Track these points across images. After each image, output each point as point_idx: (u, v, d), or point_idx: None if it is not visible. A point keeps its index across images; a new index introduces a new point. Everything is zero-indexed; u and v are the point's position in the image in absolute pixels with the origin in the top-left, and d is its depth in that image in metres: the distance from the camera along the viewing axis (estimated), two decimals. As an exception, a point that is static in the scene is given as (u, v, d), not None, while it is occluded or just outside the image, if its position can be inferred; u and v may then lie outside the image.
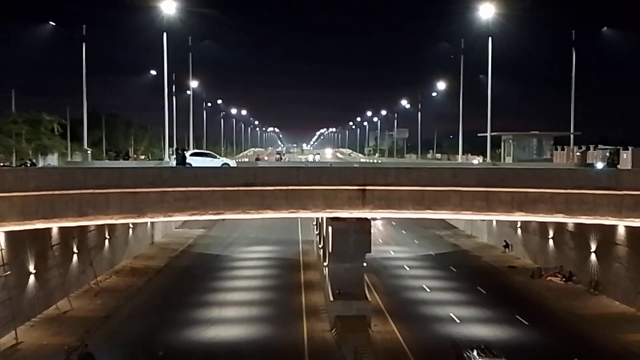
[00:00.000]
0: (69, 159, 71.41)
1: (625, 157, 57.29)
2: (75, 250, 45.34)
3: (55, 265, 41.54)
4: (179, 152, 41.89)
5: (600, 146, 66.75)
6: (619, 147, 57.34)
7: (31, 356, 31.90)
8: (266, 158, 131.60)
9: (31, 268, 38.17)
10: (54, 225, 37.22)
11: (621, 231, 42.93)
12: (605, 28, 64.80)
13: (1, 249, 34.14)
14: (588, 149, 68.09)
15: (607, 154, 58.02)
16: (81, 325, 37.28)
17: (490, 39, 59.45)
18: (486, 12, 57.12)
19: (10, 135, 69.10)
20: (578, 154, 60.04)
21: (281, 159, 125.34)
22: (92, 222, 35.18)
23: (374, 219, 47.19)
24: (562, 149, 69.51)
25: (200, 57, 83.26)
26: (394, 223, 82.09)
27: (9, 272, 34.65)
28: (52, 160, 69.16)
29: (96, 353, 29.95)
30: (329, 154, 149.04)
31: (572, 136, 64.56)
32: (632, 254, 42.18)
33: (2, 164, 60.51)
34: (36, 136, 71.91)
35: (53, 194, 29.32)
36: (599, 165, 38.99)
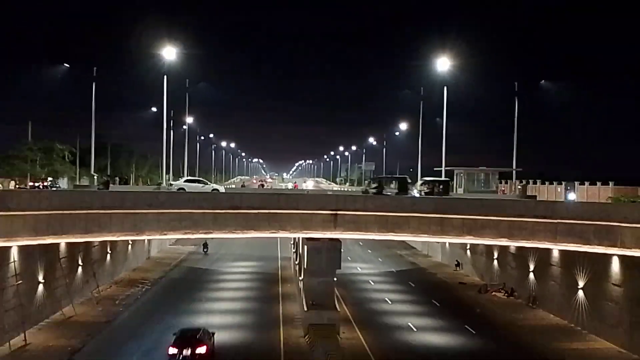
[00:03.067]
0: (77, 183, 70.73)
1: (560, 191, 57.99)
2: (80, 262, 44.81)
3: (62, 275, 41.00)
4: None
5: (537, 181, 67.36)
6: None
7: (38, 356, 31.37)
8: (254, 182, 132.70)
9: (40, 278, 37.66)
10: (63, 241, 36.84)
11: (555, 254, 43.37)
12: (543, 81, 65.92)
13: (14, 261, 33.72)
14: (528, 182, 68.90)
15: (519, 186, 58.93)
16: (84, 329, 36.78)
17: (445, 87, 60.21)
18: (442, 65, 57.86)
19: (26, 161, 68.52)
20: (519, 187, 60.65)
21: (263, 186, 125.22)
22: (96, 239, 34.85)
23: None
24: (506, 183, 70.24)
25: (195, 96, 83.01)
26: (361, 243, 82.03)
27: (20, 282, 34.21)
28: (63, 183, 68.53)
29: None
30: (310, 185, 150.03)
31: (514, 172, 65.27)
32: (564, 274, 42.58)
33: (18, 186, 59.66)
34: (49, 162, 71.46)
35: (63, 213, 29.04)
36: (571, 195, 39.41)
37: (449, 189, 42.13)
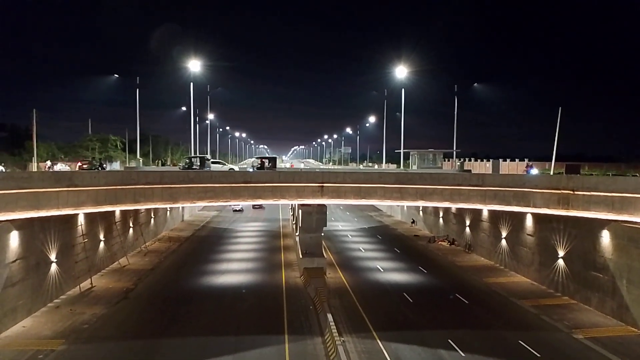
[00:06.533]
0: (127, 165, 70.19)
1: (488, 166, 58.17)
2: (131, 225, 44.69)
3: (117, 235, 40.91)
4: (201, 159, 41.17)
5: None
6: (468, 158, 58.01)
7: (101, 295, 31.42)
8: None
9: (101, 237, 37.58)
10: (117, 209, 36.62)
11: (485, 213, 43.82)
12: (476, 84, 65.81)
13: (81, 224, 33.59)
14: (465, 160, 69.11)
15: (458, 163, 58.97)
16: (135, 275, 36.83)
17: (402, 89, 59.96)
18: (401, 72, 57.56)
19: (87, 149, 67.90)
20: (458, 163, 60.85)
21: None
22: (142, 207, 34.58)
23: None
24: (448, 160, 70.46)
25: (215, 98, 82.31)
26: (341, 207, 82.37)
27: (86, 240, 34.14)
28: (116, 165, 68.02)
29: (140, 296, 29.61)
30: (303, 165, 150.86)
31: (454, 152, 65.43)
32: (491, 227, 43.07)
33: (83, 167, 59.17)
34: (105, 149, 70.80)
35: (116, 188, 28.82)
36: (534, 171, 38.92)
37: (276, 164, 41.86)
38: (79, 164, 44.27)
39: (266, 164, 39.19)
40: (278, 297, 31.70)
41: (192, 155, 52.39)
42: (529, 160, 50.16)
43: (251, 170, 37.90)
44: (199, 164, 39.64)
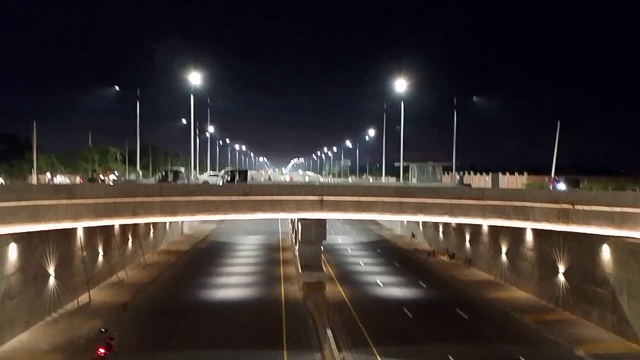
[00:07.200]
0: (126, 177, 70.26)
1: (487, 179, 58.21)
2: (130, 237, 44.52)
3: (116, 247, 40.78)
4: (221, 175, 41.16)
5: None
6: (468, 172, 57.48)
7: (99, 309, 31.20)
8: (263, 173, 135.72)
9: (100, 250, 37.42)
10: (116, 222, 36.53)
11: (485, 227, 43.71)
12: (475, 97, 66.20)
13: (80, 237, 33.51)
14: (464, 173, 69.11)
15: (458, 177, 58.83)
16: (133, 288, 36.59)
17: (402, 102, 60.28)
18: (400, 85, 57.89)
19: (87, 161, 67.98)
20: (458, 177, 60.95)
21: (270, 178, 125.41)
22: (142, 220, 34.59)
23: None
24: (448, 174, 70.46)
25: (215, 109, 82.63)
26: (341, 221, 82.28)
27: (85, 253, 34.01)
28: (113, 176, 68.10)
29: (138, 310, 29.43)
30: (306, 177, 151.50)
31: (454, 165, 65.52)
32: (491, 241, 42.97)
33: (80, 180, 59.16)
34: (104, 161, 70.86)
35: (115, 200, 28.81)
36: (561, 186, 37.42)
37: (247, 177, 41.78)
38: (101, 176, 43.94)
39: (236, 177, 39.23)
40: (277, 311, 31.51)
41: (169, 168, 52.84)
42: (555, 176, 45.79)
43: (221, 183, 37.87)
44: (172, 176, 39.87)
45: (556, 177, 44.62)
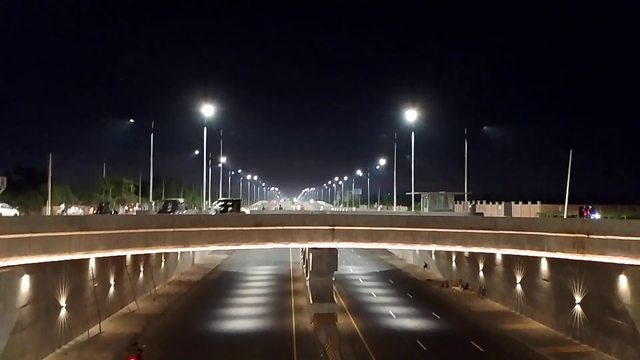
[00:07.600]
0: (140, 208, 70.78)
1: (500, 209, 57.79)
2: (141, 268, 44.61)
3: (128, 278, 40.80)
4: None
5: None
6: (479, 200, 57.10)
7: (110, 341, 31.07)
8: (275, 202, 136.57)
9: (111, 281, 37.50)
10: (128, 253, 36.69)
11: (499, 257, 43.21)
12: (486, 127, 66.42)
13: (92, 268, 33.63)
14: (476, 202, 68.73)
15: (469, 206, 58.36)
16: (144, 319, 36.50)
17: (412, 132, 60.67)
18: (411, 116, 58.31)
19: (101, 192, 68.70)
20: (470, 206, 60.58)
21: (280, 207, 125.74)
22: (153, 251, 34.64)
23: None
24: (460, 203, 70.11)
25: (227, 141, 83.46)
26: (352, 250, 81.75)
27: (97, 284, 34.07)
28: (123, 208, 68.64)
29: (150, 341, 29.21)
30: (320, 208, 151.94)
31: (466, 194, 65.26)
32: (505, 271, 42.36)
33: (94, 211, 59.78)
34: (118, 192, 71.52)
35: (128, 232, 28.97)
36: (596, 215, 36.91)
37: (240, 207, 41.61)
38: (125, 207, 43.90)
39: (229, 208, 39.37)
40: (288, 343, 31.13)
41: (169, 199, 53.71)
42: (588, 206, 43.95)
43: (213, 213, 37.97)
44: (170, 207, 40.30)
45: (589, 207, 43.40)
